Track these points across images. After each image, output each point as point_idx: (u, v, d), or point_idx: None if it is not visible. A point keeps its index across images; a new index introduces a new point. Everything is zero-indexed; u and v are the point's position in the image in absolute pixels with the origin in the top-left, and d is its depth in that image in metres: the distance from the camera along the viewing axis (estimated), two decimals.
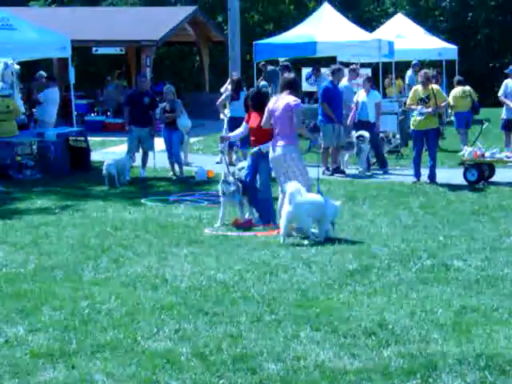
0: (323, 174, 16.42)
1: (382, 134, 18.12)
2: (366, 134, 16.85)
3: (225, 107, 18.25)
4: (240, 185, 11.44)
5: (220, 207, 11.61)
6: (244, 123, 11.84)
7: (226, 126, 17.79)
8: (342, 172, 16.87)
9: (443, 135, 20.94)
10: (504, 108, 18.69)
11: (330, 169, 16.92)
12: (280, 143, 10.97)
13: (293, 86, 11.23)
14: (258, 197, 11.53)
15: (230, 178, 11.52)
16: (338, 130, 16.77)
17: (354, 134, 17.05)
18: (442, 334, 6.79)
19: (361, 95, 17.57)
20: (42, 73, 19.61)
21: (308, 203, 10.33)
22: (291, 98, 10.98)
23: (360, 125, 17.33)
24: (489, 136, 20.17)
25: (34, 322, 7.17)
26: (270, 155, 11.13)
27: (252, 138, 11.68)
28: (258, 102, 11.59)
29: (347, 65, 20.48)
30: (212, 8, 36.60)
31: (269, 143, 11.17)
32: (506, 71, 19.24)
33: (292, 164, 10.99)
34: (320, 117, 16.95)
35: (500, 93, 18.71)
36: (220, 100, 18.35)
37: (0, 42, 16.63)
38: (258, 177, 11.65)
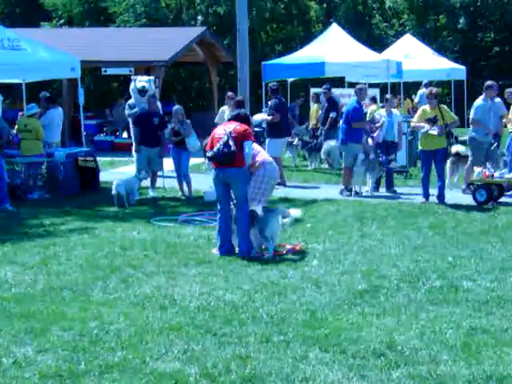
0: (341, 194, 16.41)
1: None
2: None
3: None
4: None
5: None
6: None
7: None
8: (357, 193, 16.67)
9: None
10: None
11: (354, 190, 16.66)
12: None
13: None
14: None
15: None
16: (358, 150, 16.73)
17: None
18: (451, 355, 6.76)
19: (381, 115, 17.53)
20: (45, 93, 19.63)
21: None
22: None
23: (384, 145, 17.27)
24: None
25: (43, 343, 7.17)
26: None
27: None
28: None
29: (355, 85, 20.50)
30: (220, 29, 36.75)
31: None
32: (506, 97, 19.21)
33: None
34: (342, 136, 16.89)
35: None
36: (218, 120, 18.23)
37: (9, 63, 16.71)
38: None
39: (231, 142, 10.81)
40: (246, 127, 11.14)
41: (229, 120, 11.56)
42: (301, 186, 18.12)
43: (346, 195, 16.43)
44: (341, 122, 17.51)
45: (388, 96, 18.29)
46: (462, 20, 39.45)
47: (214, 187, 12.83)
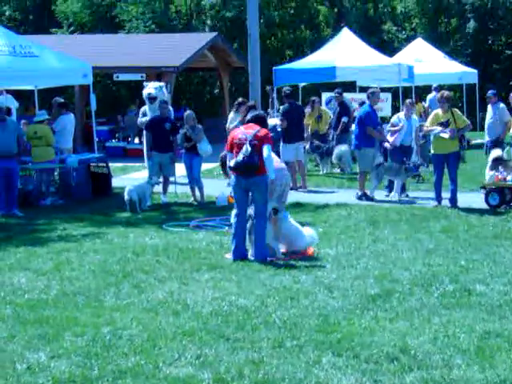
0: (360, 199, 16.35)
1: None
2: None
3: None
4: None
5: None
6: None
7: None
8: (371, 199, 16.62)
9: (464, 159, 20.91)
10: None
11: (369, 194, 16.56)
12: None
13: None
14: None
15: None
16: (374, 155, 16.70)
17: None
18: (465, 360, 6.74)
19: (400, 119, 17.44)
20: (58, 99, 19.68)
21: None
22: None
23: (401, 149, 17.24)
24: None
25: (56, 349, 7.19)
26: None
27: None
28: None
29: (366, 89, 20.49)
30: (229, 34, 36.81)
31: None
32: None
33: None
34: (355, 141, 16.86)
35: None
36: (232, 127, 17.96)
37: (22, 70, 16.79)
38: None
39: (253, 153, 10.83)
40: (267, 131, 11.17)
41: (248, 122, 11.48)
42: (313, 191, 18.10)
43: (364, 199, 16.33)
44: (353, 126, 17.46)
45: (407, 101, 18.25)
46: (473, 23, 39.36)
47: (224, 193, 12.86)
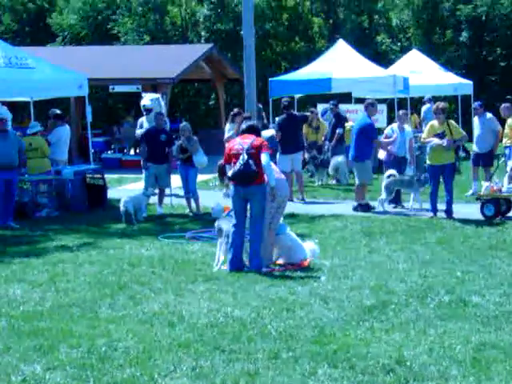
0: (356, 210, 16.35)
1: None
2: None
3: None
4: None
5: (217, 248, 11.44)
6: None
7: None
8: (368, 208, 16.54)
9: (460, 170, 20.94)
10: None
11: (378, 205, 16.56)
12: None
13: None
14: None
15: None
16: (370, 166, 16.69)
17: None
18: (460, 371, 6.74)
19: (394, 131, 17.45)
20: (54, 110, 19.70)
21: None
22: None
23: (395, 161, 17.25)
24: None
25: (51, 360, 7.17)
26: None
27: None
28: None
29: (362, 101, 20.54)
30: (224, 45, 36.85)
31: None
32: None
33: None
34: (354, 153, 16.83)
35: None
36: (228, 137, 17.96)
37: (17, 81, 16.79)
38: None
39: (251, 161, 10.87)
40: (262, 140, 11.22)
41: (243, 132, 11.51)
42: (308, 202, 18.10)
43: (360, 210, 16.34)
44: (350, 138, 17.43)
45: (400, 112, 18.27)
46: (467, 35, 39.47)
47: (220, 204, 12.85)
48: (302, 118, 19.56)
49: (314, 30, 41.79)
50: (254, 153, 10.92)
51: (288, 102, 19.06)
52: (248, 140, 11.10)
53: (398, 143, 17.23)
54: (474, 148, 18.75)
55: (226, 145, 11.64)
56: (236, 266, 10.95)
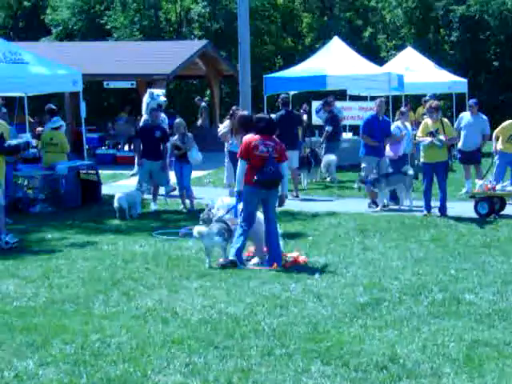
0: (369, 207, 16.38)
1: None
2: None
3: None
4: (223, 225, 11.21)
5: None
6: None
7: (227, 159, 17.10)
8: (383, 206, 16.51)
9: (452, 168, 20.96)
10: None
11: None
12: None
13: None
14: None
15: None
16: (378, 164, 16.62)
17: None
18: (453, 368, 6.75)
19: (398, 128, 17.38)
20: (50, 105, 19.68)
21: None
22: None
23: (401, 159, 17.22)
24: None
25: (44, 356, 7.16)
26: None
27: None
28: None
29: (356, 98, 20.56)
30: (218, 42, 36.84)
31: None
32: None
33: None
34: (362, 148, 16.76)
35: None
36: (222, 133, 17.79)
37: (11, 77, 16.76)
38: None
39: (278, 167, 11.05)
40: (281, 144, 11.28)
41: (261, 130, 11.19)
42: (302, 199, 18.10)
43: (374, 207, 16.34)
44: (344, 135, 17.40)
45: (403, 109, 18.17)
46: (461, 33, 39.49)
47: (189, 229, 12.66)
48: (298, 119, 19.52)
49: (307, 27, 41.83)
50: (278, 158, 11.08)
51: (287, 98, 19.05)
52: (270, 143, 11.10)
53: (406, 140, 17.28)
54: (459, 145, 18.61)
55: (244, 138, 11.32)
56: (238, 255, 10.99)
